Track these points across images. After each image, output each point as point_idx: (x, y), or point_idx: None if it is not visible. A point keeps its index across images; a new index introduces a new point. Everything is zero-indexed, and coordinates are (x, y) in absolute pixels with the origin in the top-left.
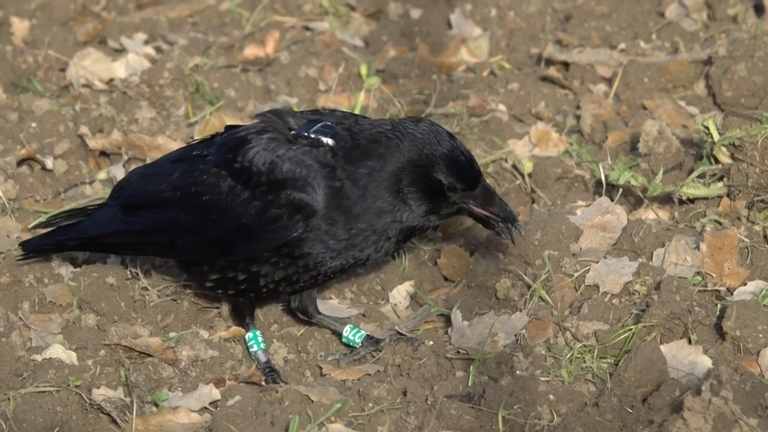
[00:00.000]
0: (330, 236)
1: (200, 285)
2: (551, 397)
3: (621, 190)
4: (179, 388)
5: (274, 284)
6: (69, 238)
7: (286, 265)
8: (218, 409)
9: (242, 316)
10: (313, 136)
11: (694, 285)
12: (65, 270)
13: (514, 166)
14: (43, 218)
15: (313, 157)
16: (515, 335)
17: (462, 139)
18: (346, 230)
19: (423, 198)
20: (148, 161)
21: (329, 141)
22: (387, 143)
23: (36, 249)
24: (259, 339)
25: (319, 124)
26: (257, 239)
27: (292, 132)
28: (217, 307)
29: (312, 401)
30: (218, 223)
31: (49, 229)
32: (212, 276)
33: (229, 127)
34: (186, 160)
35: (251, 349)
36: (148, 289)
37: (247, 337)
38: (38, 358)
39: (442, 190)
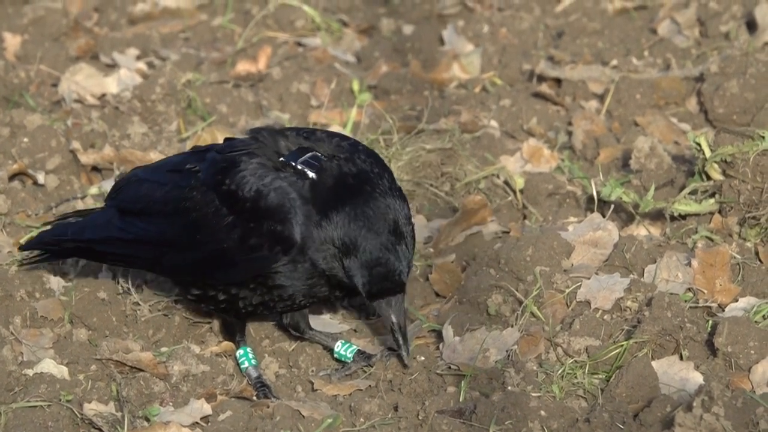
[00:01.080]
0: (297, 273)
1: (184, 296)
2: (542, 413)
3: (613, 206)
4: (170, 403)
5: (253, 307)
6: (66, 239)
7: (263, 293)
8: (209, 424)
9: (232, 333)
10: (299, 167)
11: (686, 301)
12: (57, 284)
13: (506, 182)
14: (34, 233)
15: (297, 190)
16: (507, 351)
17: (454, 155)
18: (305, 273)
19: (340, 273)
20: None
21: (313, 175)
22: (340, 209)
23: (36, 246)
24: (250, 355)
25: (308, 155)
26: (237, 267)
27: (281, 159)
28: (209, 322)
29: (303, 416)
30: (202, 245)
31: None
32: (194, 291)
33: (227, 140)
34: (180, 171)
35: (242, 366)
36: (139, 304)
37: (237, 354)
38: (29, 372)
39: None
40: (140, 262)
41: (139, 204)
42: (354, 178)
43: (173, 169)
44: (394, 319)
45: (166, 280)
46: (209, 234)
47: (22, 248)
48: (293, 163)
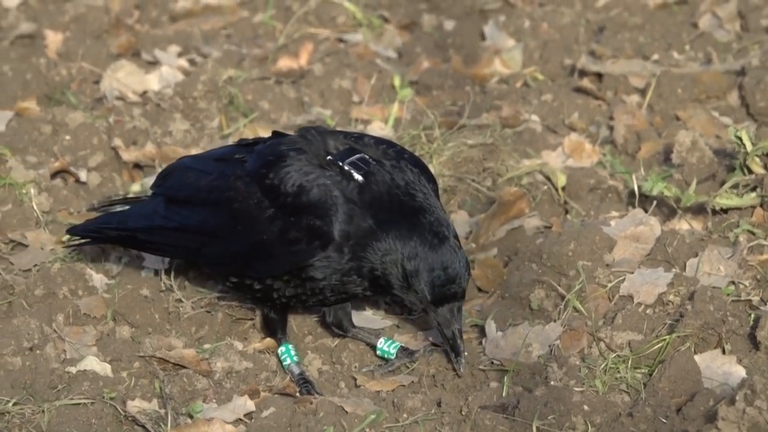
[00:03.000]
0: (331, 269)
1: (222, 283)
2: (585, 407)
3: (655, 201)
4: (214, 400)
5: (286, 299)
6: (111, 227)
7: (296, 285)
8: (253, 420)
9: (274, 332)
10: (346, 168)
11: (728, 295)
12: (99, 282)
13: (548, 177)
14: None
15: (341, 189)
16: (549, 346)
17: (495, 150)
18: (341, 270)
19: (397, 281)
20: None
21: (360, 178)
22: (397, 220)
23: (81, 233)
24: (292, 352)
25: (356, 156)
26: (276, 259)
27: (328, 157)
28: (252, 319)
29: (346, 412)
30: (243, 235)
31: (97, 215)
32: (233, 279)
33: (275, 134)
34: (227, 161)
35: (284, 363)
36: (182, 301)
37: (279, 351)
38: (73, 370)
39: (411, 285)
40: (181, 252)
41: (183, 192)
42: (405, 188)
43: (220, 158)
44: (456, 326)
45: (209, 274)
46: (250, 225)
47: (68, 231)
48: (340, 163)
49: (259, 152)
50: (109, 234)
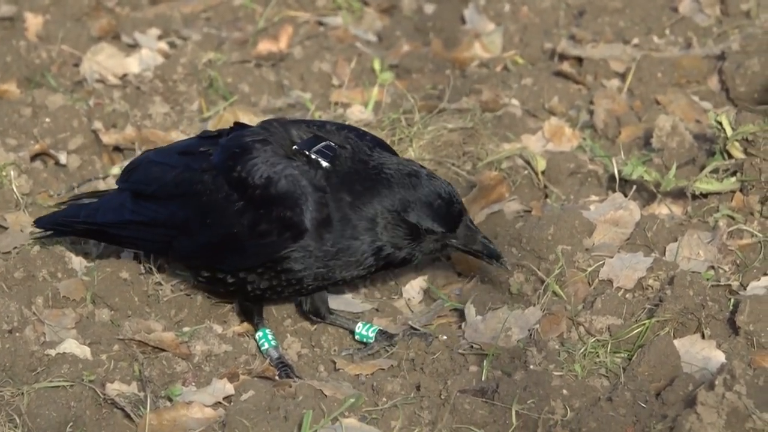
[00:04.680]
0: (312, 258)
1: (195, 279)
2: (565, 391)
3: (634, 185)
4: (193, 383)
5: (261, 291)
6: (78, 221)
7: (270, 277)
8: (232, 403)
9: (251, 318)
10: (313, 156)
11: (708, 280)
12: (79, 265)
13: (528, 161)
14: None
15: (309, 178)
16: (529, 330)
17: (475, 134)
18: (324, 256)
19: (402, 239)
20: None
21: (326, 164)
22: (369, 185)
23: (47, 225)
24: (269, 337)
25: (322, 144)
26: (247, 252)
27: (294, 147)
28: (231, 302)
29: (326, 396)
30: (212, 228)
31: (63, 207)
32: (204, 274)
33: (237, 125)
34: (192, 154)
35: (262, 348)
36: (161, 284)
37: (257, 336)
38: (52, 353)
39: (419, 233)
40: (151, 246)
41: (150, 186)
42: (367, 159)
43: (184, 151)
44: (480, 234)
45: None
46: (219, 218)
47: (36, 222)
48: (306, 152)
49: (224, 145)
50: (76, 228)
